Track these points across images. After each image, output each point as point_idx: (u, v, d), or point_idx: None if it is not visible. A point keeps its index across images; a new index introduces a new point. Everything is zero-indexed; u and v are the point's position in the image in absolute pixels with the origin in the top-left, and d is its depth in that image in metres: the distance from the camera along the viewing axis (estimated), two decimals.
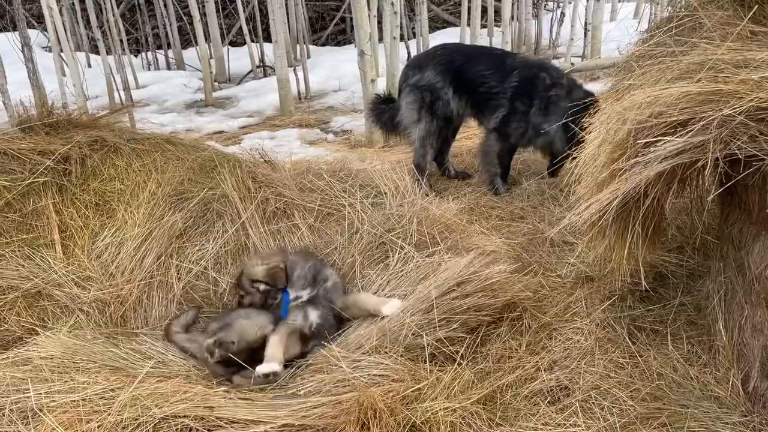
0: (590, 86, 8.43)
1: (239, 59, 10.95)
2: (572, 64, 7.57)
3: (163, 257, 3.48)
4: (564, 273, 3.63)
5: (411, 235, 3.38)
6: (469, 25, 11.21)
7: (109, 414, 2.33)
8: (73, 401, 2.40)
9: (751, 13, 1.85)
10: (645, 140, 1.84)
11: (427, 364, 2.70)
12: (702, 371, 2.75)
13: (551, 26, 11.07)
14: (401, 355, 2.72)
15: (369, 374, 2.61)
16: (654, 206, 2.12)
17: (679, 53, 2.11)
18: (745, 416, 2.47)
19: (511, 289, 3.05)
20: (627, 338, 2.96)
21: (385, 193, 3.69)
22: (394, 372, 2.63)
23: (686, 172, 1.91)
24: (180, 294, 3.44)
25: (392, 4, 7.09)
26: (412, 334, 2.78)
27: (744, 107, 1.68)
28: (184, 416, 2.36)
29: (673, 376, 2.75)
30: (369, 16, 6.61)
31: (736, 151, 1.72)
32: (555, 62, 9.18)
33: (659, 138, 1.82)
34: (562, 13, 10.55)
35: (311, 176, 3.85)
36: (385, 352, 2.72)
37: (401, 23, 8.56)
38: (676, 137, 1.78)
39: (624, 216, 2.22)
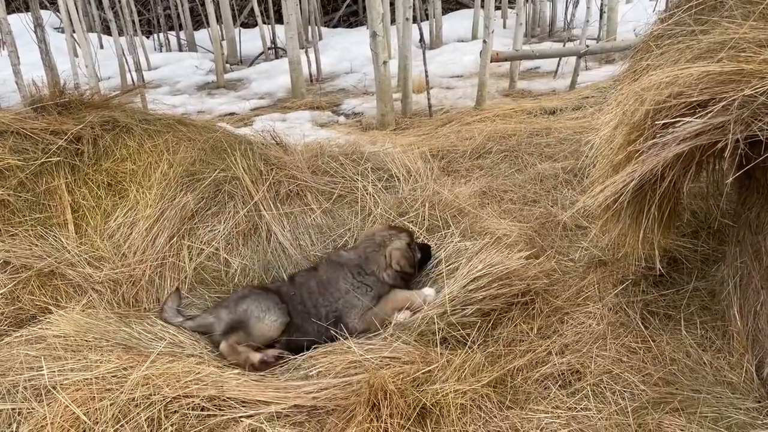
0: (606, 69, 8.35)
1: (251, 41, 10.92)
2: (587, 46, 7.45)
3: (175, 238, 3.49)
4: (577, 257, 3.61)
5: (425, 219, 3.37)
6: (483, 6, 11.08)
7: (122, 392, 2.35)
8: (86, 379, 2.42)
9: None
10: (663, 121, 1.80)
11: (439, 347, 2.69)
12: (715, 356, 2.72)
13: (566, 8, 10.92)
14: (414, 340, 2.72)
15: (380, 356, 2.61)
16: (670, 190, 2.08)
17: (699, 32, 2.05)
18: (759, 402, 2.45)
19: (527, 276, 3.03)
20: (640, 323, 2.94)
21: (398, 177, 3.67)
22: (405, 354, 2.63)
23: (705, 154, 1.87)
24: (192, 275, 3.45)
25: None
26: (426, 323, 2.78)
27: (766, 87, 1.63)
28: (196, 396, 2.37)
29: (686, 361, 2.72)
30: None
31: (758, 133, 1.68)
32: (570, 44, 9.08)
33: (678, 119, 1.78)
34: None
35: (326, 158, 3.84)
36: (398, 337, 2.72)
37: (414, 4, 8.47)
38: (696, 118, 1.73)
39: (639, 199, 2.18)
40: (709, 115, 1.71)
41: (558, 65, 8.17)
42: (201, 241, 3.52)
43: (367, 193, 3.55)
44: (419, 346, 2.70)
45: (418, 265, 3.24)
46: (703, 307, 3.02)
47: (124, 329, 2.92)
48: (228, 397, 2.41)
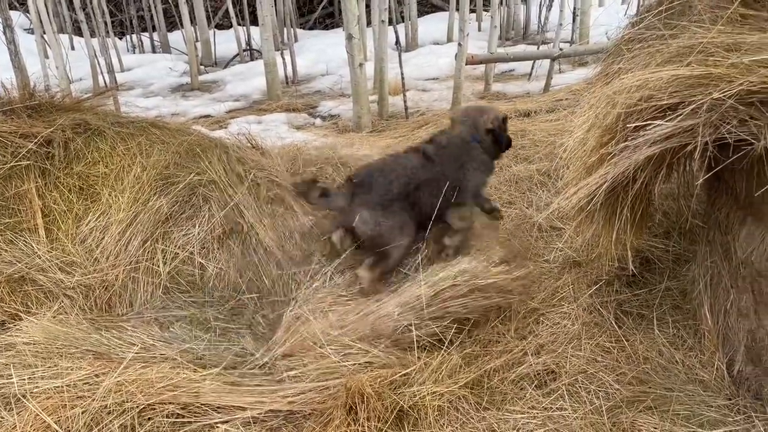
0: (579, 72, 8.44)
1: (225, 42, 10.84)
2: (561, 49, 7.54)
3: (148, 242, 3.44)
4: (551, 258, 3.64)
5: None
6: (458, 9, 11.12)
7: (94, 400, 2.31)
8: (57, 387, 2.38)
9: None
10: (635, 124, 1.83)
11: (416, 351, 2.70)
12: (687, 355, 2.77)
13: (540, 11, 11.04)
14: (388, 346, 2.72)
15: (357, 362, 2.60)
16: (642, 191, 2.11)
17: (669, 36, 2.09)
18: (729, 399, 2.50)
19: (507, 290, 3.03)
20: (613, 322, 2.98)
21: None
22: (382, 358, 2.63)
23: (675, 156, 1.90)
24: (166, 279, 3.40)
25: None
26: (401, 332, 2.77)
27: (734, 91, 1.66)
28: (170, 403, 2.34)
29: (659, 360, 2.76)
30: None
31: (726, 135, 1.71)
32: (543, 47, 9.18)
33: (649, 122, 1.81)
34: None
35: (305, 161, 3.83)
36: (372, 343, 2.71)
37: (389, 6, 8.48)
38: (666, 121, 1.76)
39: (612, 201, 2.21)
40: (679, 118, 1.74)
41: (532, 68, 8.25)
42: (175, 245, 3.47)
43: None
44: (396, 351, 2.70)
45: (501, 147, 3.72)
46: (675, 306, 3.07)
47: (96, 335, 2.88)
48: (203, 404, 2.39)
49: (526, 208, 4.30)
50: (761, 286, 2.33)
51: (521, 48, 10.11)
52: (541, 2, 11.17)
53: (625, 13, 11.59)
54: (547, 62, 7.71)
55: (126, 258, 3.36)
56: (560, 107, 6.61)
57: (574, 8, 8.83)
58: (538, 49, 9.05)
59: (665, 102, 1.78)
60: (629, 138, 1.88)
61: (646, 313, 3.06)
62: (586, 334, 2.92)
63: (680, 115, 1.75)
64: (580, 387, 2.61)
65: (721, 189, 2.56)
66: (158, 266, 3.41)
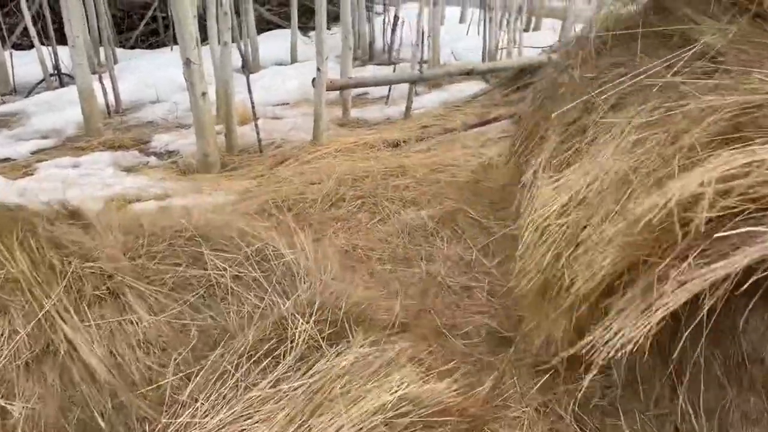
0: (435, 94, 8.11)
1: (26, 65, 9.07)
2: (420, 72, 7.11)
3: None
4: (472, 331, 3.06)
5: (304, 316, 2.50)
6: (300, 27, 10.42)
7: None
8: None
9: None
10: (733, 232, 1.21)
11: None
12: None
13: (384, 30, 10.66)
14: None
15: None
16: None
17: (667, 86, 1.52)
18: None
19: (457, 410, 2.30)
20: (577, 428, 2.40)
21: (257, 254, 2.78)
22: None
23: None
24: None
25: (221, 3, 6.06)
26: None
27: None
28: None
29: None
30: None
31: None
32: (399, 69, 8.76)
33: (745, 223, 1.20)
34: (396, 17, 10.14)
35: (147, 235, 2.83)
36: None
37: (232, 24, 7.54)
38: None
39: None
40: None
41: (389, 91, 7.74)
42: None
43: (217, 287, 2.62)
44: None
45: None
46: (634, 392, 2.57)
47: None
48: None
49: (427, 263, 3.68)
50: None
51: (371, 69, 9.64)
52: (384, 20, 10.80)
53: (467, 33, 11.65)
54: (403, 85, 7.26)
55: None
56: (429, 135, 6.17)
57: (426, 28, 8.52)
58: (394, 71, 8.59)
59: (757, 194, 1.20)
60: (702, 247, 1.26)
61: (603, 404, 2.54)
62: None
63: None
64: None
65: None
66: None
